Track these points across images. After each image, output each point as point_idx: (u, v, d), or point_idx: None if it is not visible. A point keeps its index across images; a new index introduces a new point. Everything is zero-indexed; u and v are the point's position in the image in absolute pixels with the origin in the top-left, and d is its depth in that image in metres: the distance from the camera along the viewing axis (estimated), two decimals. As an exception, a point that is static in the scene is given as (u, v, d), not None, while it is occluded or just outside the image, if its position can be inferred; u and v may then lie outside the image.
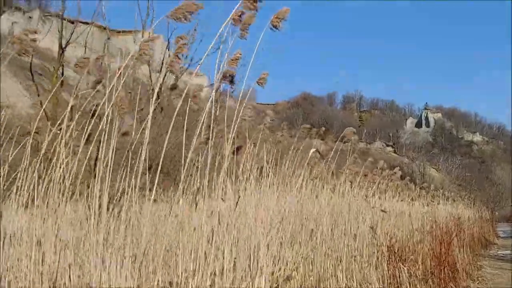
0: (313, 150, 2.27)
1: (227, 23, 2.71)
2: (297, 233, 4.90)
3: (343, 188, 5.72)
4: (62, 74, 11.85)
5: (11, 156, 2.64)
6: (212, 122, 2.80)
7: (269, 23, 2.83)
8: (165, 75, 10.08)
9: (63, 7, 10.92)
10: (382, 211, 6.12)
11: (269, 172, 4.75)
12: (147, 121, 2.44)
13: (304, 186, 5.28)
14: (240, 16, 2.72)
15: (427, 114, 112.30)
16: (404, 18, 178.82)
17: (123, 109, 2.48)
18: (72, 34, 11.22)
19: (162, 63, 10.64)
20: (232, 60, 2.80)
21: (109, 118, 2.62)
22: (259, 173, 4.69)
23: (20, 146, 2.74)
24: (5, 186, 2.77)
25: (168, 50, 11.05)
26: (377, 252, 5.75)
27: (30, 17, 53.53)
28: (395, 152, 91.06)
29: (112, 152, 2.34)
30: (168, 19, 2.56)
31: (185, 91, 2.66)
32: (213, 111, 2.86)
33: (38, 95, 9.97)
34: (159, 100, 10.35)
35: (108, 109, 2.40)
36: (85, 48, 10.17)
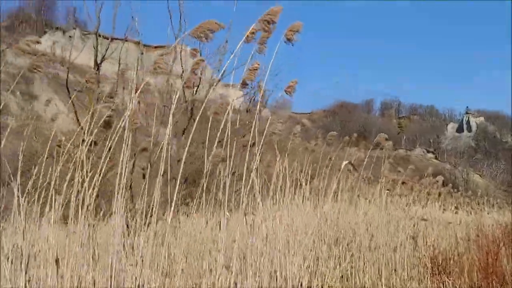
0: (345, 162, 2.14)
1: (242, 42, 2.70)
2: (333, 246, 4.72)
3: (380, 197, 5.49)
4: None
5: (34, 175, 2.60)
6: (227, 134, 2.70)
7: (283, 37, 2.83)
8: (198, 87, 10.11)
9: (98, 23, 11.13)
10: (423, 219, 5.84)
11: (303, 184, 4.60)
12: (164, 142, 2.36)
13: (339, 197, 5.11)
14: (253, 33, 2.73)
15: (468, 118, 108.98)
16: (404, 18, 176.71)
17: (136, 123, 2.45)
18: (107, 50, 11.40)
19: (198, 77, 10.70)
20: (251, 70, 2.79)
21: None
22: (293, 185, 4.56)
23: (42, 161, 2.70)
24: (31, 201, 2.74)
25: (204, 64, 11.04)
26: (419, 264, 5.47)
27: (70, 36, 55.46)
28: (436, 158, 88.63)
29: (126, 167, 2.27)
30: (190, 37, 2.53)
31: (203, 104, 2.58)
32: (227, 121, 2.77)
33: (75, 111, 10.15)
34: (192, 113, 10.37)
35: (123, 122, 2.35)
36: (119, 64, 10.30)
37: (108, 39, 12.48)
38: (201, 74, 10.08)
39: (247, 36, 2.71)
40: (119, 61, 10.56)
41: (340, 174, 4.46)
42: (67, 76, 10.42)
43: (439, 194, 8.40)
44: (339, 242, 4.71)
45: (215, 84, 11.28)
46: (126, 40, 11.81)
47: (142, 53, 11.75)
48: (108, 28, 11.42)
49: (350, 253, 4.72)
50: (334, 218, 5.00)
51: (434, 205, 8.04)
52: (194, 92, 9.95)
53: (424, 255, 5.68)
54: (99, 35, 12.02)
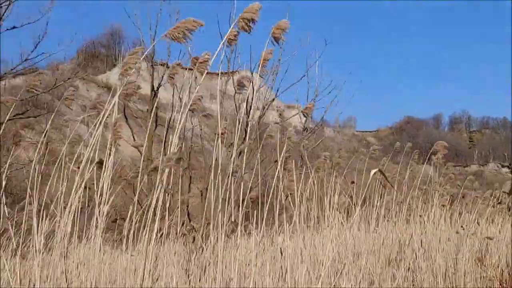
0: (374, 170, 1.98)
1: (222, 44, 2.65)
2: (387, 267, 4.44)
3: (437, 213, 5.12)
4: (157, 116, 12.43)
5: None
6: (234, 147, 2.60)
7: (270, 35, 2.76)
8: (250, 108, 10.11)
9: (154, 50, 11.59)
10: (488, 238, 5.37)
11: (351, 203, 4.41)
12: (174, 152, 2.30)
13: (393, 215, 4.84)
14: (235, 36, 2.68)
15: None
16: (404, 18, 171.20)
17: (119, 132, 2.44)
18: (163, 76, 11.76)
19: (252, 98, 10.71)
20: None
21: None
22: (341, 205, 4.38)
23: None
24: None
25: (253, 83, 11.11)
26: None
27: (140, 68, 57.95)
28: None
29: (108, 184, 2.22)
30: (166, 39, 2.47)
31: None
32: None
33: (134, 139, 10.46)
34: (246, 134, 10.38)
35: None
36: (174, 89, 10.51)
37: (163, 66, 12.93)
38: (253, 95, 10.10)
39: (230, 39, 2.64)
40: (175, 87, 10.84)
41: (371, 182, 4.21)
42: (125, 105, 10.84)
43: (509, 209, 7.77)
44: (393, 262, 4.43)
45: (268, 104, 11.30)
46: (188, 69, 12.10)
47: (196, 77, 11.98)
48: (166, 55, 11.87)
49: (405, 274, 4.41)
50: (388, 237, 4.74)
51: (504, 221, 7.44)
52: (247, 112, 9.96)
53: (494, 277, 5.21)
54: (156, 63, 12.46)
